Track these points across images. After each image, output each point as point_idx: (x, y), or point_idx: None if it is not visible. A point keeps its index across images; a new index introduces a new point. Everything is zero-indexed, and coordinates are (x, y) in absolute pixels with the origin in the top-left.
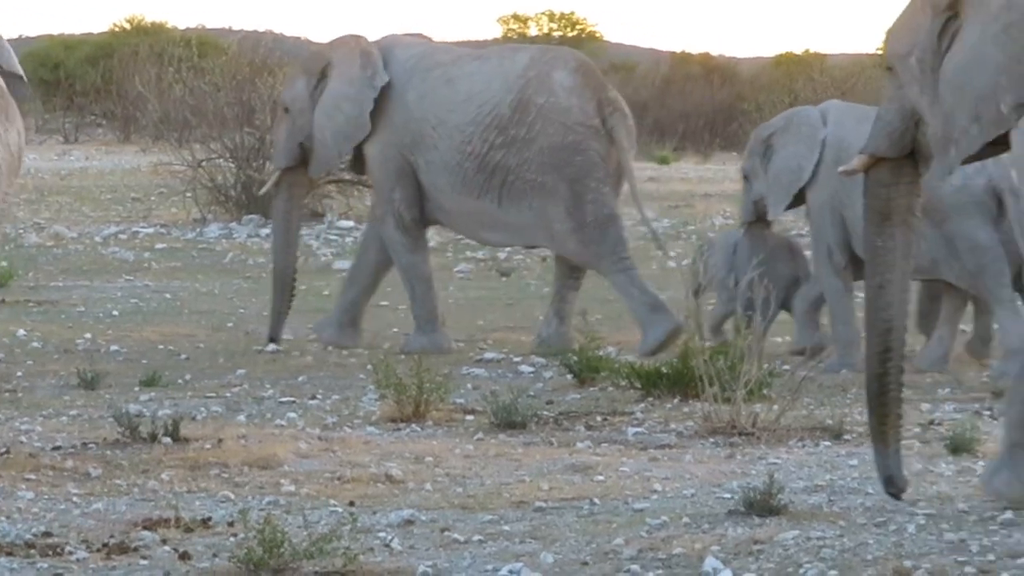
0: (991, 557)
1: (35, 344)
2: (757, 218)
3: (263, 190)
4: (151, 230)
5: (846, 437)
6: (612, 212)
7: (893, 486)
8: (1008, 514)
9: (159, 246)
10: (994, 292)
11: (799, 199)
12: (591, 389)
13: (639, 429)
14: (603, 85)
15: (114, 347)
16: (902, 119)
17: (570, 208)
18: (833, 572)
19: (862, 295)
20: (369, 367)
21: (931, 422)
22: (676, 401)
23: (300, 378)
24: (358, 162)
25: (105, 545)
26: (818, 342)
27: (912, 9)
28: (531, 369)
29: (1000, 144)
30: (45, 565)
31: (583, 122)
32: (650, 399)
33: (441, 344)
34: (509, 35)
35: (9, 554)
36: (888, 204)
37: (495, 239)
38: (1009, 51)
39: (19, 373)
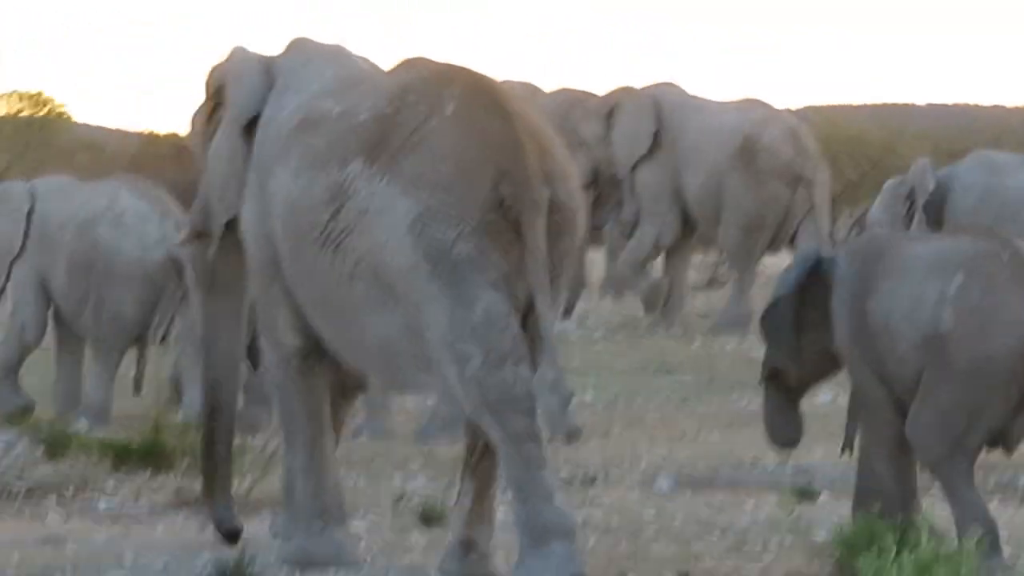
0: None
1: None
2: None
3: None
4: None
5: None
6: None
7: (223, 528)
8: None
9: None
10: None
11: None
12: (62, 463)
13: (110, 502)
14: None
15: None
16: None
17: None
18: None
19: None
20: None
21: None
22: (147, 474)
23: None
24: None
25: None
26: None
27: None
28: (1, 443)
29: None
30: None
31: None
32: (121, 472)
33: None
34: None
35: None
36: (212, 275)
37: None
38: None
39: None
